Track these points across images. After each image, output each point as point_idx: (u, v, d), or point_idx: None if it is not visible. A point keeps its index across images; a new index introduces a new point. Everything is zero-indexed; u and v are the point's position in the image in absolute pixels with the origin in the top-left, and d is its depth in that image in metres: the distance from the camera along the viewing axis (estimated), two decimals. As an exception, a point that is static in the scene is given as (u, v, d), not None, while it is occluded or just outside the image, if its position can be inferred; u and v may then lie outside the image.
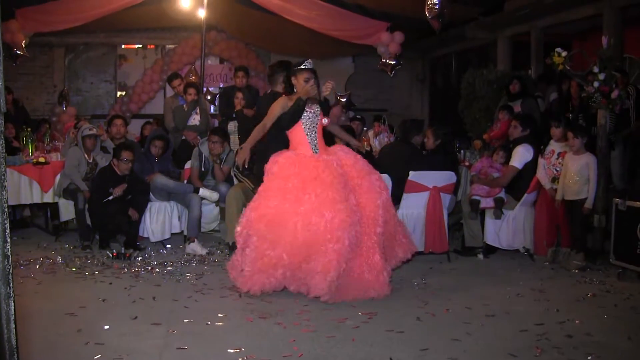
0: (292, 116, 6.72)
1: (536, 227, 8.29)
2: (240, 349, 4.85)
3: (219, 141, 9.17)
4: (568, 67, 7.84)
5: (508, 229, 8.20)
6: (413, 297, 6.43)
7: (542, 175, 8.11)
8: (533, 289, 6.77)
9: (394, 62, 12.34)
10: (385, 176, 7.80)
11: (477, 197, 8.26)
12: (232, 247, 8.22)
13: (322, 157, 6.60)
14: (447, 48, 17.26)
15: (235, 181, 8.92)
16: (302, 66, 6.99)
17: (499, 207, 8.16)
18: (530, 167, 8.23)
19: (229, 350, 4.84)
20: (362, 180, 6.61)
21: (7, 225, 2.37)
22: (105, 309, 5.90)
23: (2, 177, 2.36)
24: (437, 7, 9.56)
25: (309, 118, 6.77)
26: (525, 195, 8.16)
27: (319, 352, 4.87)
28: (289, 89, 6.95)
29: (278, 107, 6.82)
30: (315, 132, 6.79)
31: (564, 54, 7.79)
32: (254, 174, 8.62)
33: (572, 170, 7.76)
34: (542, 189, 8.20)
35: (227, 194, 8.37)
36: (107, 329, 5.33)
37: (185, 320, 5.58)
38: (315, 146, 6.73)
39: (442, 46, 17.10)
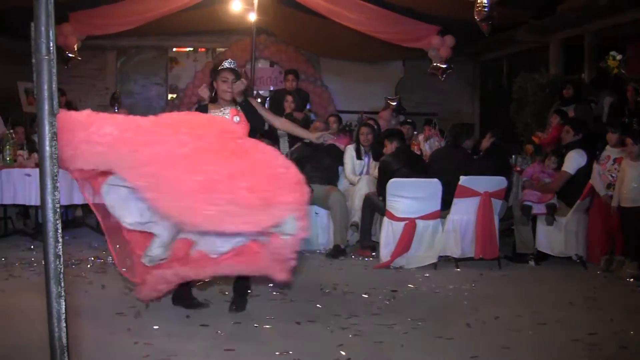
0: None
1: (589, 235, 8.15)
2: (287, 352, 4.83)
3: (269, 144, 9.17)
4: (623, 71, 7.73)
5: (560, 235, 8.07)
6: (463, 304, 6.37)
7: (597, 181, 7.97)
8: (585, 297, 6.66)
9: (445, 66, 12.26)
10: (436, 181, 7.77)
11: (529, 203, 8.16)
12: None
13: None
14: (498, 52, 17.12)
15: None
16: (221, 66, 6.30)
17: (551, 213, 8.04)
18: (584, 173, 8.09)
19: (276, 353, 4.82)
20: None
21: (59, 226, 2.42)
22: (155, 309, 5.91)
23: (55, 178, 2.41)
24: (486, 10, 9.47)
25: None
26: (578, 201, 8.02)
27: (367, 357, 4.84)
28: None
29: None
30: None
31: (618, 57, 7.69)
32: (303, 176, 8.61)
33: (629, 177, 7.61)
34: (596, 196, 8.06)
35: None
36: (156, 329, 5.37)
37: (233, 322, 5.58)
38: None
39: (492, 50, 16.96)
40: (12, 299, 6.24)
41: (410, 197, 7.84)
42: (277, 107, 10.97)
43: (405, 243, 7.80)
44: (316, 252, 8.67)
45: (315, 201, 8.66)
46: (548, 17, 12.87)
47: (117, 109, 14.37)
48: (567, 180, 8.10)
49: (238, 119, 6.04)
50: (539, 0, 12.06)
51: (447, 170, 8.06)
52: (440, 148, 9.82)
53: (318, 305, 6.17)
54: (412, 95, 17.18)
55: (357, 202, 8.80)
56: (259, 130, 6.71)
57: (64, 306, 2.44)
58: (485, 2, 9.34)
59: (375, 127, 9.86)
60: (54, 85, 2.41)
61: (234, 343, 5.05)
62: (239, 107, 6.13)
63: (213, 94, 6.23)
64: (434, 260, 7.91)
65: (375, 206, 8.44)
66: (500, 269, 7.95)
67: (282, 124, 6.83)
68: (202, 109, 6.10)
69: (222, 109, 6.09)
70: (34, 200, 8.97)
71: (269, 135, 9.51)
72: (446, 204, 7.89)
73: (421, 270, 7.77)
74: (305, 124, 10.04)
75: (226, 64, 6.20)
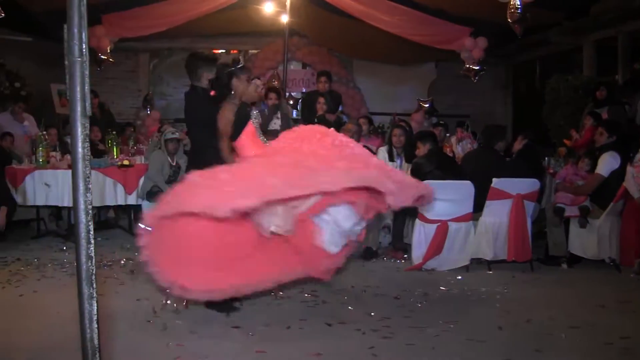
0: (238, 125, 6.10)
1: (623, 237, 8.07)
2: (318, 354, 4.86)
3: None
4: (657, 73, 7.66)
5: (593, 238, 8.00)
6: (495, 306, 6.36)
7: (631, 183, 7.89)
8: (619, 300, 6.61)
9: (478, 68, 12.22)
10: (468, 183, 7.74)
11: (562, 205, 8.12)
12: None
13: None
14: (531, 53, 17.01)
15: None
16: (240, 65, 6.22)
17: (584, 215, 7.99)
18: (617, 175, 8.02)
19: (307, 355, 4.85)
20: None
21: (92, 227, 2.43)
22: (186, 311, 5.96)
23: (87, 180, 2.42)
24: (519, 11, 9.42)
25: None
26: (612, 204, 7.95)
27: (398, 359, 4.85)
28: (221, 91, 6.22)
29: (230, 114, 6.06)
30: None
31: (653, 58, 7.62)
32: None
33: (663, 180, 7.56)
34: (629, 198, 7.99)
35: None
36: (187, 331, 5.42)
37: (264, 324, 5.62)
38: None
39: (525, 51, 16.85)
40: (45, 300, 6.32)
41: (443, 199, 7.80)
42: (309, 109, 11.00)
43: (437, 245, 7.80)
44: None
45: (348, 203, 8.67)
46: (581, 18, 12.79)
47: (150, 111, 14.49)
48: (600, 183, 8.04)
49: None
50: (573, 2, 11.97)
51: (479, 172, 8.04)
52: (472, 150, 9.79)
53: (349, 307, 6.19)
54: (445, 97, 17.14)
55: (389, 204, 8.79)
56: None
57: (95, 307, 2.44)
58: (518, 3, 9.29)
59: (408, 129, 9.85)
60: (86, 87, 2.41)
61: (265, 345, 5.09)
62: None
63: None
64: (466, 263, 7.90)
65: (407, 208, 8.42)
66: (532, 271, 7.91)
67: None
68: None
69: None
70: (66, 201, 9.08)
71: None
72: (478, 206, 7.87)
73: (453, 272, 7.77)
74: (338, 125, 10.05)
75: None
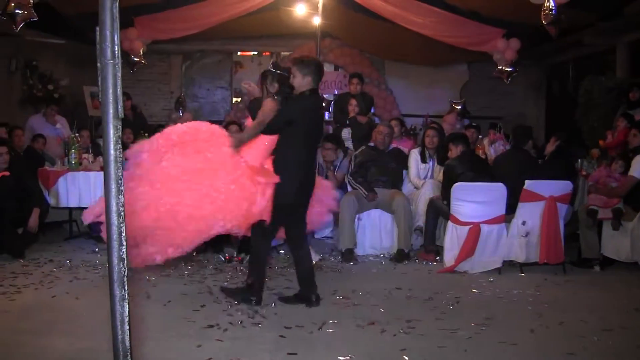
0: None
1: (657, 240, 8.04)
2: (350, 356, 4.88)
3: (332, 148, 9.25)
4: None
5: (626, 240, 7.95)
6: (527, 309, 6.34)
7: (665, 186, 7.86)
8: (653, 303, 6.57)
9: (510, 69, 12.16)
10: (501, 185, 7.73)
11: (595, 208, 8.08)
12: (345, 254, 8.28)
13: None
14: (564, 55, 16.88)
15: (349, 188, 8.95)
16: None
17: (618, 218, 7.94)
18: (652, 178, 7.98)
19: (339, 357, 4.87)
20: None
21: (124, 229, 2.44)
22: (218, 312, 6.01)
23: (119, 182, 2.43)
24: (553, 12, 9.37)
25: None
26: (646, 206, 7.92)
27: (430, 361, 4.86)
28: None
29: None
30: None
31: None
32: (367, 180, 8.66)
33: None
34: (664, 201, 7.95)
35: (340, 201, 8.38)
36: (219, 332, 5.45)
37: (295, 326, 5.64)
38: None
39: (558, 53, 16.73)
40: (77, 301, 6.38)
41: (475, 201, 7.82)
42: (341, 110, 11.02)
43: (469, 247, 7.79)
44: (380, 256, 8.70)
45: (380, 205, 8.71)
46: (615, 19, 12.69)
47: (182, 113, 14.58)
48: (634, 185, 8.00)
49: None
50: (606, 3, 11.88)
51: (511, 174, 8.03)
52: (503, 152, 9.76)
53: (381, 310, 6.20)
54: (477, 99, 17.09)
55: (421, 206, 8.81)
56: None
57: (127, 309, 2.43)
58: (553, 5, 9.25)
59: (440, 130, 9.84)
60: (118, 90, 2.41)
61: (296, 346, 5.12)
62: None
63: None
64: (499, 265, 7.88)
65: (439, 210, 8.43)
66: (565, 274, 7.88)
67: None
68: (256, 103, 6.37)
69: None
70: (98, 203, 9.16)
71: (334, 139, 9.57)
72: (511, 208, 7.86)
73: (485, 275, 7.76)
74: (370, 127, 10.07)
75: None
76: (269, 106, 6.27)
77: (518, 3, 9.98)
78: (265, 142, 6.28)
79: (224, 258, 8.17)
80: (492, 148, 10.85)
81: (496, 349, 5.12)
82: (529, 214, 7.86)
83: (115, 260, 2.42)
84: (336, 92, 16.49)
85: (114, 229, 2.42)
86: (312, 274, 6.44)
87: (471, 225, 7.81)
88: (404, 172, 9.45)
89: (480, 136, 11.80)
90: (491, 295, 6.89)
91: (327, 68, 17.19)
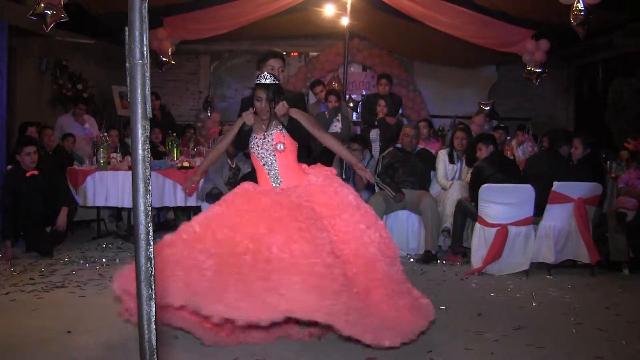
0: (238, 142, 5.97)
1: (686, 243, 7.97)
2: (375, 358, 4.87)
3: (359, 149, 9.23)
4: None
5: (656, 243, 7.92)
6: (555, 312, 6.30)
7: (694, 189, 7.80)
8: (683, 307, 6.51)
9: (539, 71, 12.09)
10: (529, 187, 7.69)
11: (624, 210, 8.02)
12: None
13: (277, 191, 5.51)
14: (594, 56, 16.77)
15: (377, 189, 8.95)
16: (256, 80, 5.75)
17: (646, 220, 7.90)
18: (682, 180, 7.93)
19: (366, 357, 4.87)
20: (335, 220, 5.36)
21: (151, 228, 2.44)
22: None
23: (147, 181, 2.43)
24: (582, 13, 9.32)
25: (259, 145, 5.69)
26: (676, 209, 7.86)
27: (458, 363, 4.84)
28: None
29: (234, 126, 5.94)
30: (275, 159, 5.65)
31: None
32: (395, 181, 8.64)
33: None
34: (695, 203, 7.89)
35: (367, 202, 8.36)
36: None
37: (322, 326, 5.62)
38: (276, 176, 5.68)
39: (588, 54, 16.63)
40: (104, 300, 6.39)
41: (503, 202, 7.78)
42: (369, 111, 11.02)
43: (497, 249, 7.76)
44: (407, 257, 8.68)
45: (407, 206, 8.70)
46: (647, 19, 12.60)
47: (210, 113, 14.63)
48: (665, 188, 7.95)
49: (282, 146, 5.60)
50: (637, 3, 11.80)
51: (541, 175, 7.99)
52: (536, 153, 9.71)
53: (408, 310, 6.17)
54: (506, 100, 17.05)
55: (448, 208, 8.79)
56: (308, 143, 6.60)
57: (154, 308, 2.42)
58: (582, 5, 9.19)
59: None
60: (147, 89, 2.40)
61: (322, 347, 5.14)
62: (284, 130, 5.67)
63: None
64: (526, 267, 7.83)
65: (467, 212, 8.41)
66: (593, 276, 7.83)
67: (326, 140, 5.98)
68: (246, 133, 5.73)
69: (265, 133, 5.66)
70: (126, 202, 9.22)
71: (360, 140, 9.56)
72: (539, 210, 7.82)
73: (513, 277, 7.73)
74: (398, 128, 10.06)
75: (260, 79, 5.68)
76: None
77: (547, 3, 9.93)
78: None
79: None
80: (520, 149, 10.81)
81: (524, 352, 5.09)
82: (557, 216, 7.81)
83: (142, 260, 2.42)
84: (364, 93, 16.50)
85: (142, 228, 2.42)
86: None
87: (499, 227, 7.77)
88: (432, 173, 9.43)
89: (508, 137, 11.76)
90: (519, 298, 6.84)
91: (356, 69, 17.24)
